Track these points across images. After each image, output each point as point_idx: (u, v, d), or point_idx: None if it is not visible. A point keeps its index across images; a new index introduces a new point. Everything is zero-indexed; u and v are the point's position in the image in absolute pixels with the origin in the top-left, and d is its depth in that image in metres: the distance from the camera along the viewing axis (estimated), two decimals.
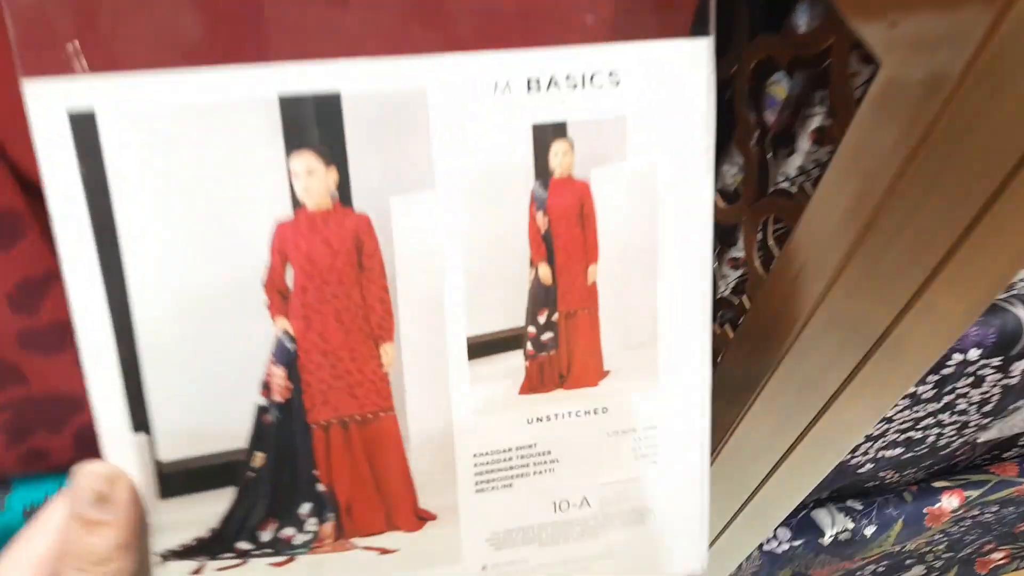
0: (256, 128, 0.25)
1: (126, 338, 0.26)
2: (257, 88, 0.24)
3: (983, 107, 0.19)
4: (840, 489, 0.61)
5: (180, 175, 0.25)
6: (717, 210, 0.30)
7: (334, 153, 0.26)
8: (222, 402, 0.28)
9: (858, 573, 0.71)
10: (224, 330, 0.27)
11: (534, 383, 0.30)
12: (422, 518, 0.31)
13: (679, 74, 0.27)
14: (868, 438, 0.50)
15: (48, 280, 0.36)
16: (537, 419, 0.31)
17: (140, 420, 0.27)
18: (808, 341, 0.28)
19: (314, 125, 0.25)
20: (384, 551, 0.31)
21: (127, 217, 0.25)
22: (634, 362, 0.31)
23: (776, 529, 0.59)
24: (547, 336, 0.30)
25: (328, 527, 0.30)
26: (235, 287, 0.26)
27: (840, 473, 0.55)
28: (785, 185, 0.30)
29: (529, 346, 0.30)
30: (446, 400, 0.30)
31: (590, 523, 0.33)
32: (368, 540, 0.31)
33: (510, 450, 0.31)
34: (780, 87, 0.30)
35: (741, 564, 0.57)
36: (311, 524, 0.30)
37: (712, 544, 0.42)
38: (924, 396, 0.46)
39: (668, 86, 0.27)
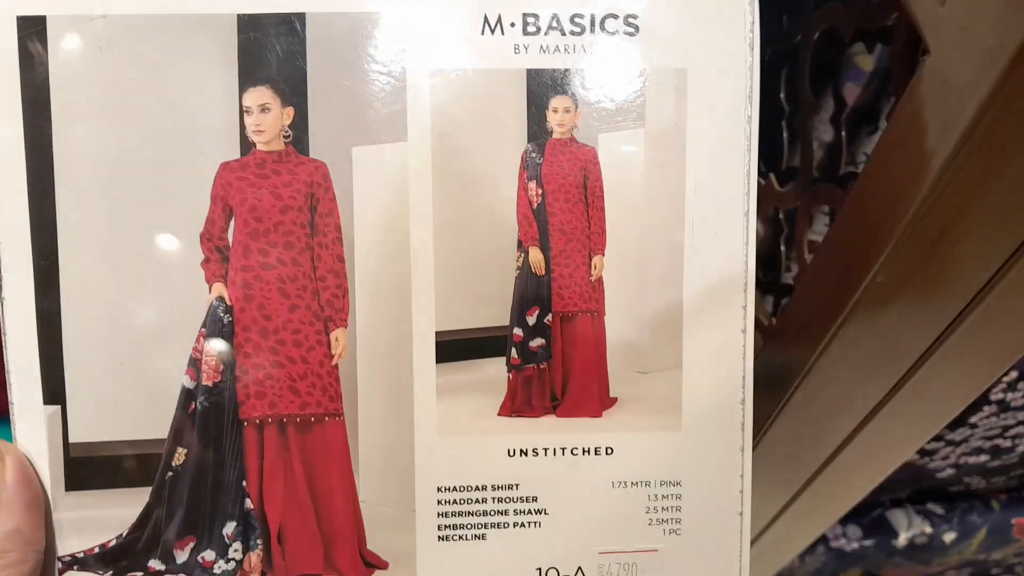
0: (210, 49, 0.22)
1: (49, 288, 0.23)
2: (214, 2, 0.21)
3: None
4: (920, 491, 0.58)
5: (124, 95, 0.22)
6: (772, 194, 0.24)
7: (293, 88, 0.22)
8: (145, 378, 0.24)
9: None
10: (155, 289, 0.23)
11: (519, 403, 0.24)
12: (370, 564, 0.25)
13: (712, 30, 0.22)
14: (948, 443, 0.48)
15: None
16: (521, 452, 0.25)
17: (54, 389, 0.24)
18: (847, 337, 0.23)
19: (273, 52, 0.22)
20: None
21: (63, 134, 0.22)
22: (650, 390, 0.24)
23: (847, 526, 0.57)
24: (537, 342, 0.24)
25: (254, 557, 0.25)
26: (170, 235, 0.23)
27: (918, 475, 0.52)
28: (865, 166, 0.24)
29: (514, 353, 0.24)
30: (407, 411, 0.24)
31: None
32: None
33: (484, 488, 0.25)
34: (866, 58, 0.24)
35: (804, 557, 0.56)
36: (235, 550, 0.25)
37: (757, 539, 0.40)
38: (1014, 404, 0.44)
39: (698, 42, 0.22)
